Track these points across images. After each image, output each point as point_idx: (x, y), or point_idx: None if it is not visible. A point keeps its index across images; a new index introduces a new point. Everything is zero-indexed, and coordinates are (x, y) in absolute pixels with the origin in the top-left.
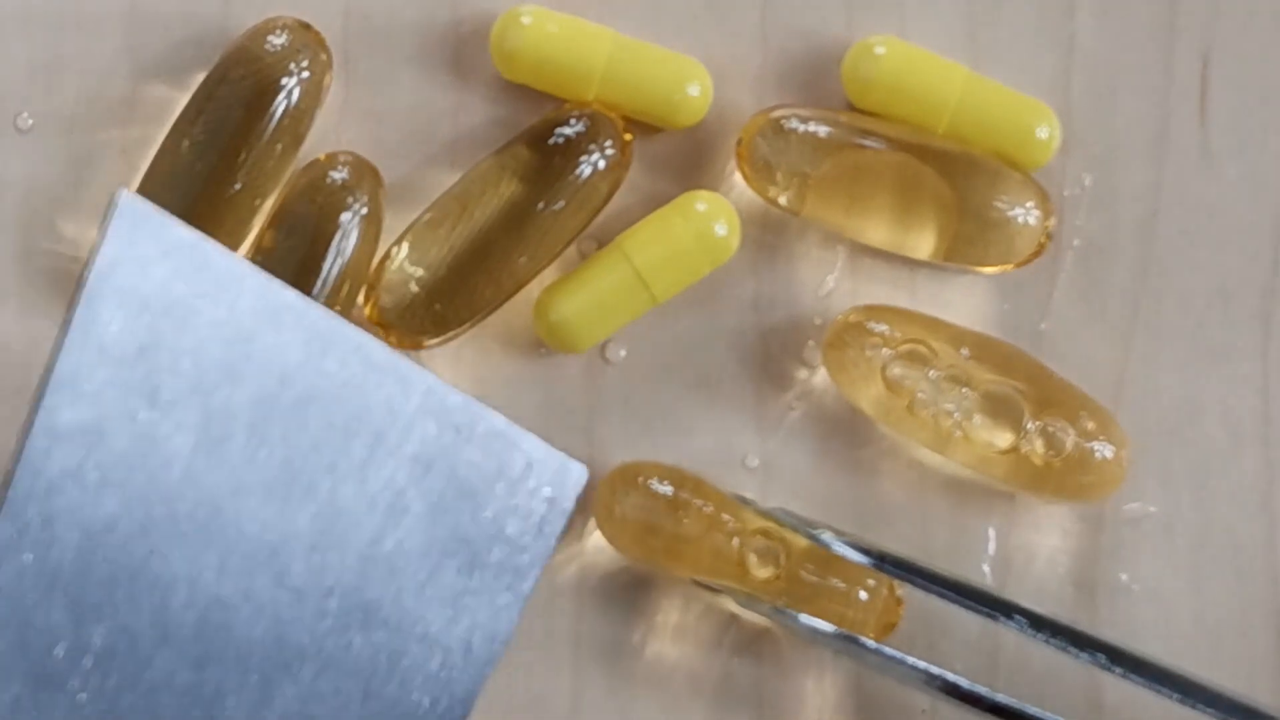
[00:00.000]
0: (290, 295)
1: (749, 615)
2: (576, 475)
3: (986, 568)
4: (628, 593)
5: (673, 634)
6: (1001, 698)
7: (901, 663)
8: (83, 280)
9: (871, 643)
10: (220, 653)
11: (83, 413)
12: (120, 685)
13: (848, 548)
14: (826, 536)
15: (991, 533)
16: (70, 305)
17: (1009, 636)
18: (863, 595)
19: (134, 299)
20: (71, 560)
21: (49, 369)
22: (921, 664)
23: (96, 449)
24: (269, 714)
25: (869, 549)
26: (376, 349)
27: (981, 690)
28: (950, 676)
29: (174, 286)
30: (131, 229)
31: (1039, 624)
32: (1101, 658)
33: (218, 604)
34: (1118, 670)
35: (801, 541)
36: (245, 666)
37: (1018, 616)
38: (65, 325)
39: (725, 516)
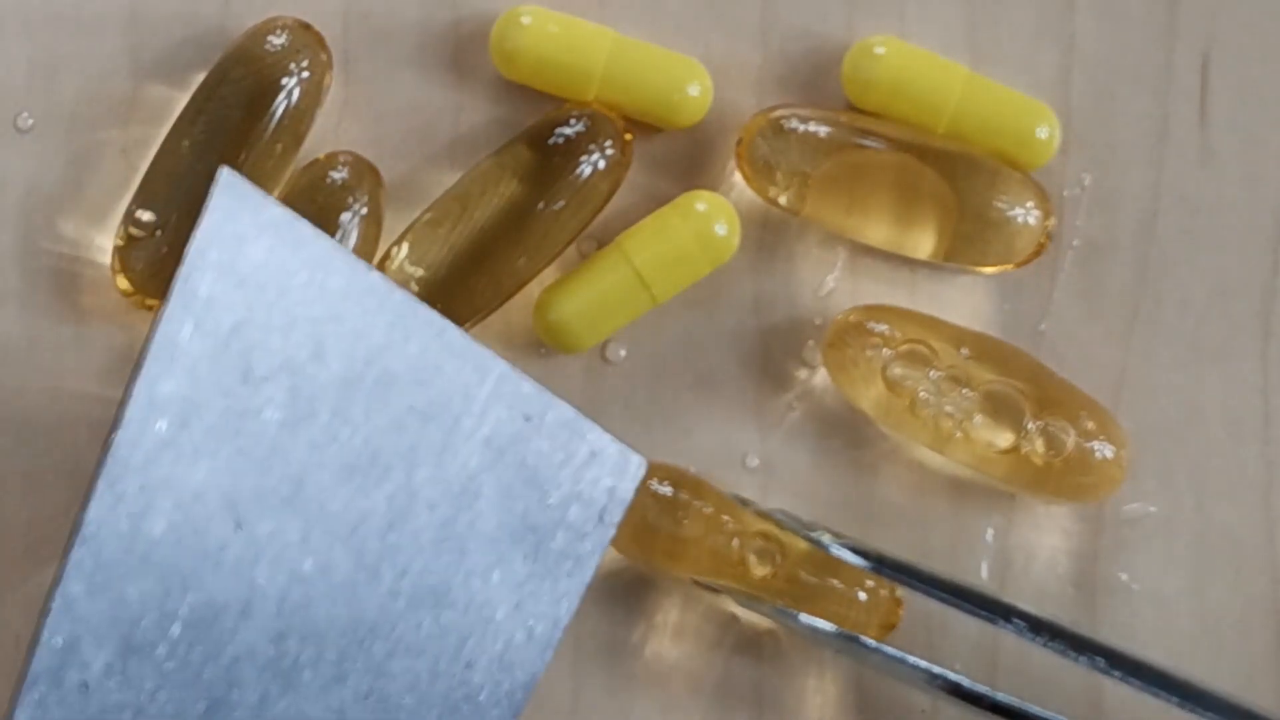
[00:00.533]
0: (376, 277)
1: (749, 615)
2: (636, 466)
3: (986, 568)
4: (628, 593)
5: (673, 634)
6: (1002, 697)
7: (902, 662)
8: (184, 255)
9: (872, 642)
10: (299, 627)
11: (180, 384)
12: (204, 656)
13: (845, 550)
14: (824, 538)
15: (991, 533)
16: (172, 278)
17: (1009, 637)
18: (861, 596)
19: (230, 274)
20: (164, 530)
21: (148, 339)
22: (923, 664)
23: (191, 421)
24: (342, 689)
25: (867, 551)
26: (455, 334)
27: (982, 690)
28: (952, 676)
29: (268, 263)
30: (230, 205)
31: (1038, 627)
32: (1100, 661)
33: (298, 579)
34: (1116, 674)
35: (800, 542)
36: (322, 642)
37: (1016, 620)
38: (166, 297)
39: (725, 517)
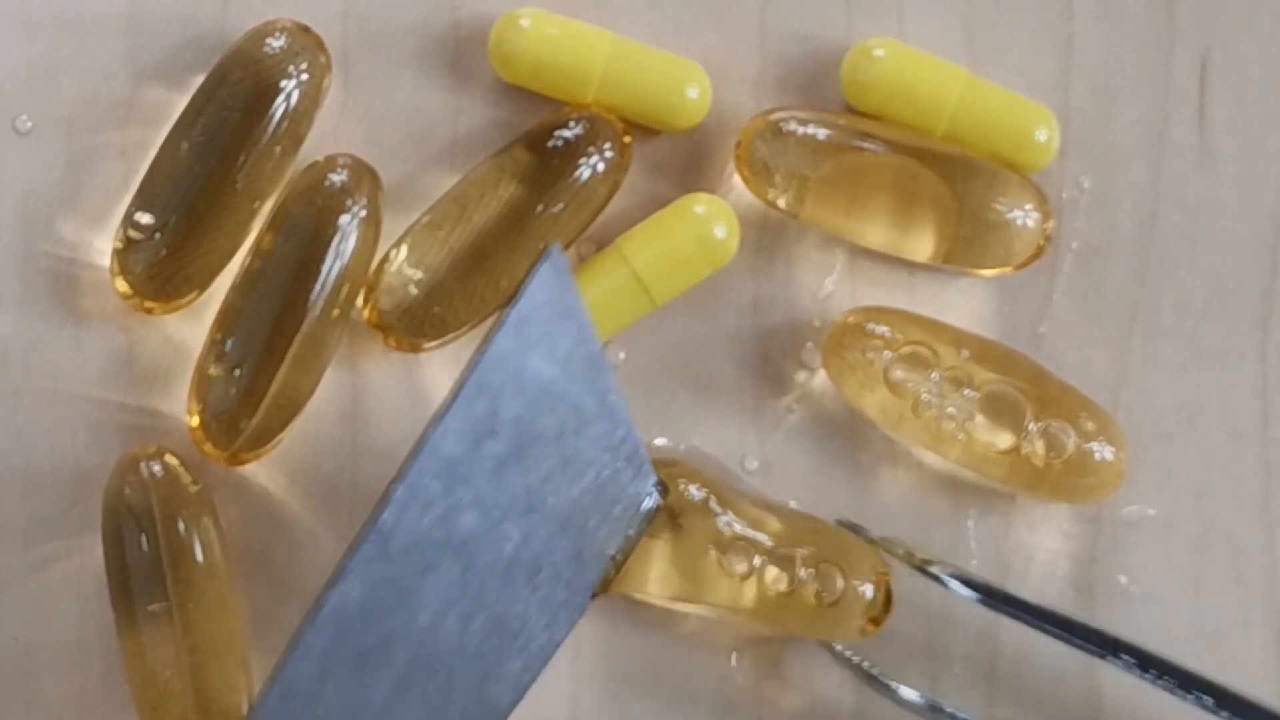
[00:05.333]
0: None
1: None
2: (649, 504)
3: (985, 570)
4: (627, 594)
5: (673, 636)
6: None
7: None
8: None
9: (963, 715)
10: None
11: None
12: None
13: (955, 581)
14: (935, 569)
15: (990, 534)
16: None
17: (1008, 636)
18: (862, 589)
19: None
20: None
21: (469, 369)
22: None
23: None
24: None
25: (975, 583)
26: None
27: None
28: None
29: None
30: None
31: (1147, 663)
32: (1208, 700)
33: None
34: (1223, 714)
35: (778, 542)
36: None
37: (1125, 655)
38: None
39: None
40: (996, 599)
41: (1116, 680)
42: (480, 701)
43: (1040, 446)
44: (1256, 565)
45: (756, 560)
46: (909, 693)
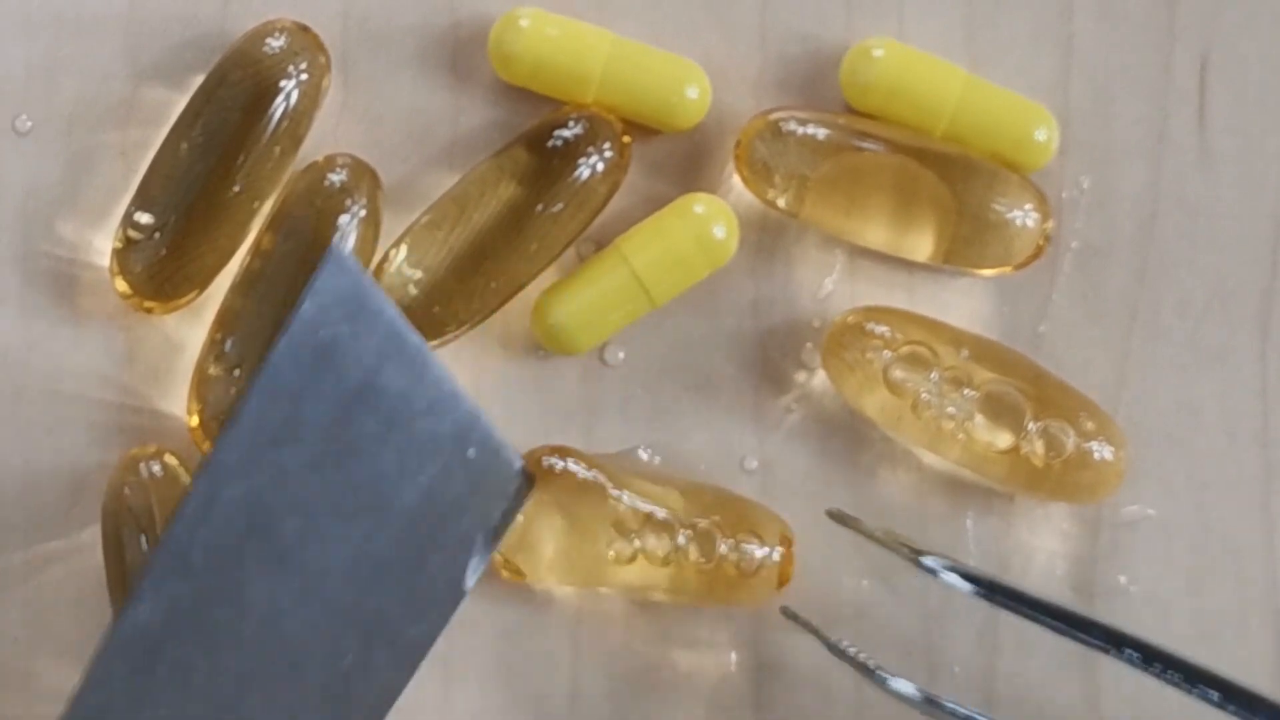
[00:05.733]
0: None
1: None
2: (515, 486)
3: (984, 569)
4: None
5: (673, 636)
6: None
7: None
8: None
9: (961, 709)
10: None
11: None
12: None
13: (954, 575)
14: (930, 561)
15: (990, 535)
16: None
17: (1007, 637)
18: (767, 553)
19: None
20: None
21: (251, 382)
22: None
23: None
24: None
25: (977, 578)
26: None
27: None
28: None
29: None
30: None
31: (1151, 657)
32: (1214, 695)
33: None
34: (1231, 708)
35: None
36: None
37: (1129, 650)
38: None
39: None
40: (997, 592)
41: (1118, 677)
42: (347, 702)
43: (1040, 446)
44: (1256, 565)
45: (681, 539)
46: (904, 686)
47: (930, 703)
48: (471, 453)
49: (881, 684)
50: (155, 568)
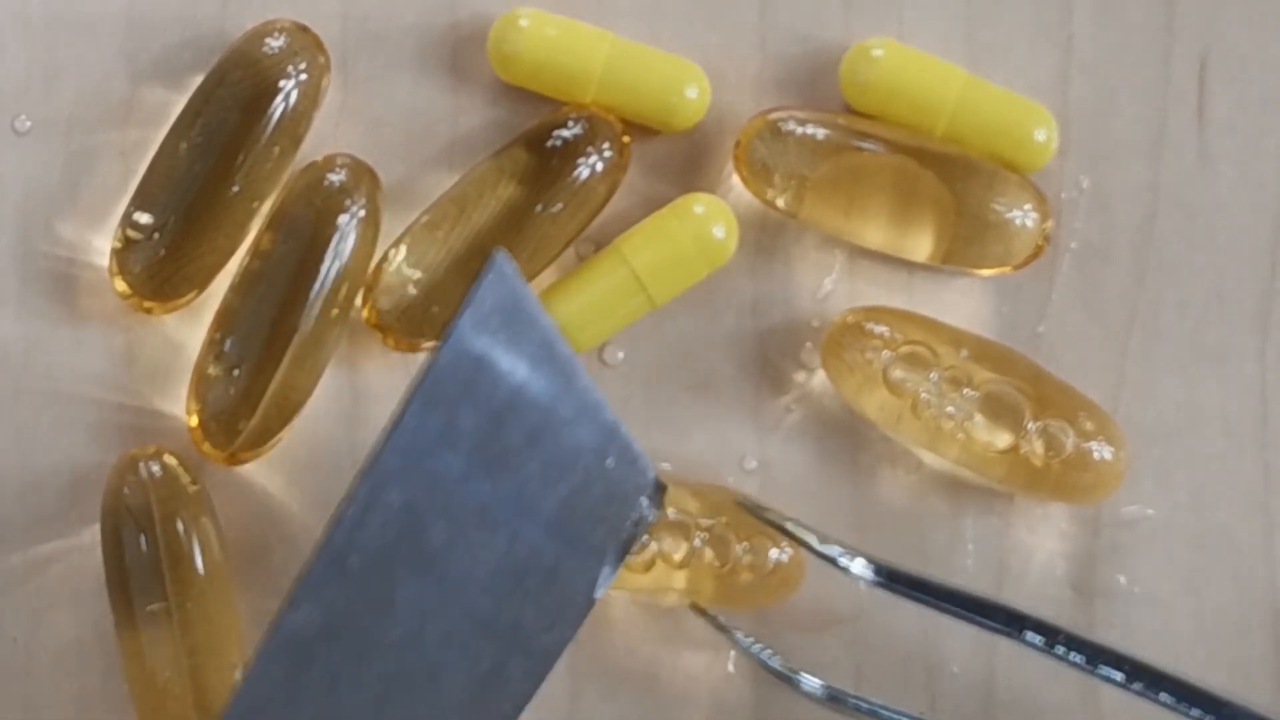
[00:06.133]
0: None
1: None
2: (649, 503)
3: (983, 570)
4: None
5: (671, 637)
6: None
7: (884, 712)
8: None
9: (865, 703)
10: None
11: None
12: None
13: (858, 563)
14: (834, 551)
15: (989, 535)
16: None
17: (1008, 640)
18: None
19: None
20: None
21: (415, 385)
22: (909, 714)
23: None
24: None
25: (879, 565)
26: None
27: None
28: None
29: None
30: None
31: (1053, 638)
32: (1119, 675)
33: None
34: (1135, 687)
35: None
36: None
37: (1030, 633)
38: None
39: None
40: (900, 582)
41: (1115, 698)
42: (481, 709)
43: (1039, 446)
44: (1256, 565)
45: (697, 540)
46: (810, 683)
47: (835, 699)
48: (610, 463)
49: (788, 681)
50: (313, 573)
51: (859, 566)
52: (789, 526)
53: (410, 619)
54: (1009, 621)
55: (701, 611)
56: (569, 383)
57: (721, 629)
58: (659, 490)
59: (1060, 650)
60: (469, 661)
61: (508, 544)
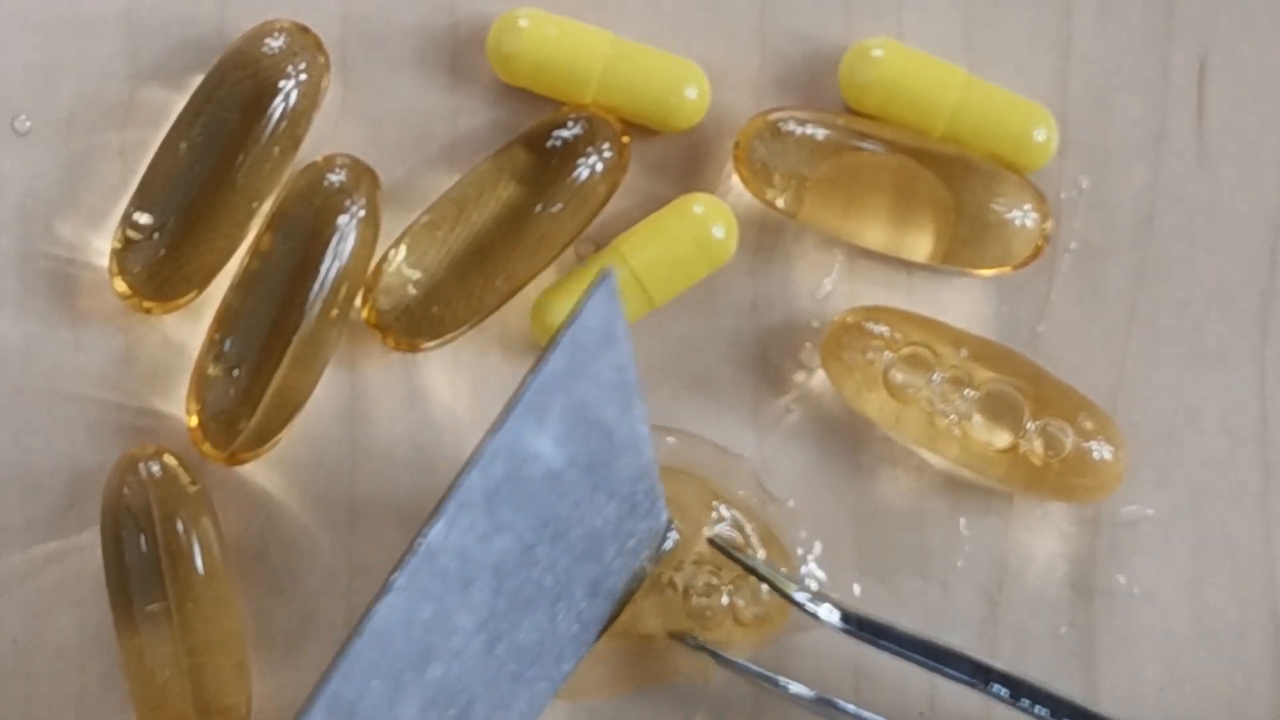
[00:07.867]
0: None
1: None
2: (669, 544)
3: (983, 571)
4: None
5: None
6: None
7: None
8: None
9: (851, 707)
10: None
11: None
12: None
13: (824, 608)
14: (802, 597)
15: (988, 534)
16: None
17: (1006, 638)
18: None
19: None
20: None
21: (522, 389)
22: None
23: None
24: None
25: (846, 612)
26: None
27: None
28: None
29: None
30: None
31: (1019, 692)
32: None
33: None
34: None
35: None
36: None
37: (996, 685)
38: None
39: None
40: (866, 630)
41: (1117, 677)
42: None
43: (1039, 446)
44: (1256, 565)
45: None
46: (800, 689)
47: (824, 703)
48: (639, 498)
49: (776, 688)
50: (412, 561)
51: (825, 612)
52: (760, 569)
53: (469, 627)
54: (974, 673)
55: (679, 636)
56: (628, 409)
57: (701, 649)
58: (670, 533)
59: (1025, 704)
60: (494, 681)
61: (549, 564)
